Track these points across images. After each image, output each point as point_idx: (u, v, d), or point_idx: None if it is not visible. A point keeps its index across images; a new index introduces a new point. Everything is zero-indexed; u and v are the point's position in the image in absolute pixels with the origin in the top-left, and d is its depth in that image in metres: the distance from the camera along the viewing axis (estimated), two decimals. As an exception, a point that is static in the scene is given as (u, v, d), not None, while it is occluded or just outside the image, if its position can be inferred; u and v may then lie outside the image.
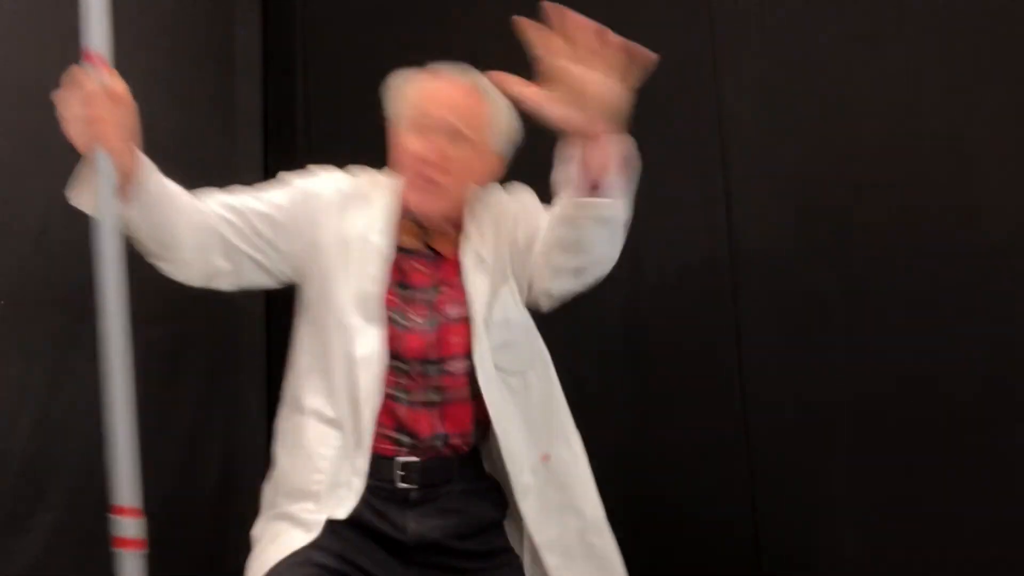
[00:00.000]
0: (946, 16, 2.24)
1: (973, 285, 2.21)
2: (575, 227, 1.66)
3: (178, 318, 2.46)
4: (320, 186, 1.89)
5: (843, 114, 2.31)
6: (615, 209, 1.63)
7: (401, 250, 1.88)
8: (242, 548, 1.86)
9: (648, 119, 2.29)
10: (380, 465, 1.78)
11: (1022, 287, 2.17)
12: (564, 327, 2.05)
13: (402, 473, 1.78)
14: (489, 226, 1.90)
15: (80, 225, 1.71)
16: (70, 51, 1.67)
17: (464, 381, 1.83)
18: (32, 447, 2.11)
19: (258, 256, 1.83)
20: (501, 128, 1.87)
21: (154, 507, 1.63)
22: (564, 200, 1.66)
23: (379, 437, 1.78)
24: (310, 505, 1.75)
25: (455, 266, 1.88)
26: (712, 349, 2.38)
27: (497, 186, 1.95)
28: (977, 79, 2.21)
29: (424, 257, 1.88)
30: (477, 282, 1.86)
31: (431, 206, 1.84)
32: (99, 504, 2.22)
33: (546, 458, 1.87)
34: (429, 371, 1.82)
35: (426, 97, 1.85)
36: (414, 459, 1.79)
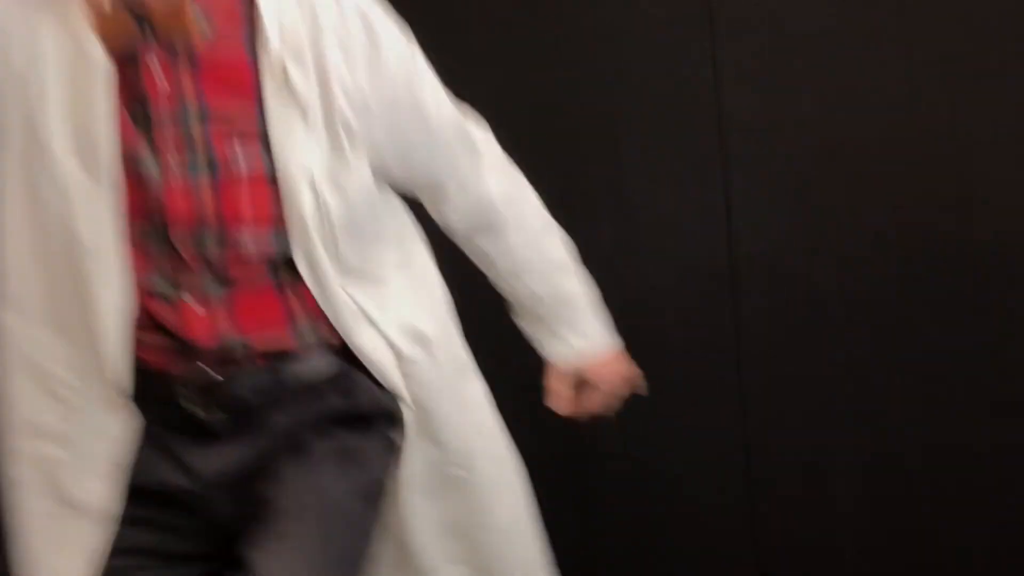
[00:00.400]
0: (946, 11, 2.21)
1: (975, 282, 2.19)
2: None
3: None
4: None
5: (843, 111, 2.28)
6: None
7: (122, 57, 1.23)
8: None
9: (646, 117, 2.33)
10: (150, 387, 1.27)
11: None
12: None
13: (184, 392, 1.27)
14: (298, 28, 1.29)
15: None
16: None
17: (263, 268, 1.28)
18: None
19: None
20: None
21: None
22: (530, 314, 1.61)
23: (142, 348, 1.26)
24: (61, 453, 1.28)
25: (229, 71, 1.27)
26: (711, 349, 2.37)
27: None
28: (977, 75, 2.18)
29: (163, 56, 1.24)
30: (285, 116, 1.27)
31: None
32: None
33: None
34: (206, 245, 1.26)
35: None
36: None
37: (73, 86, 1.21)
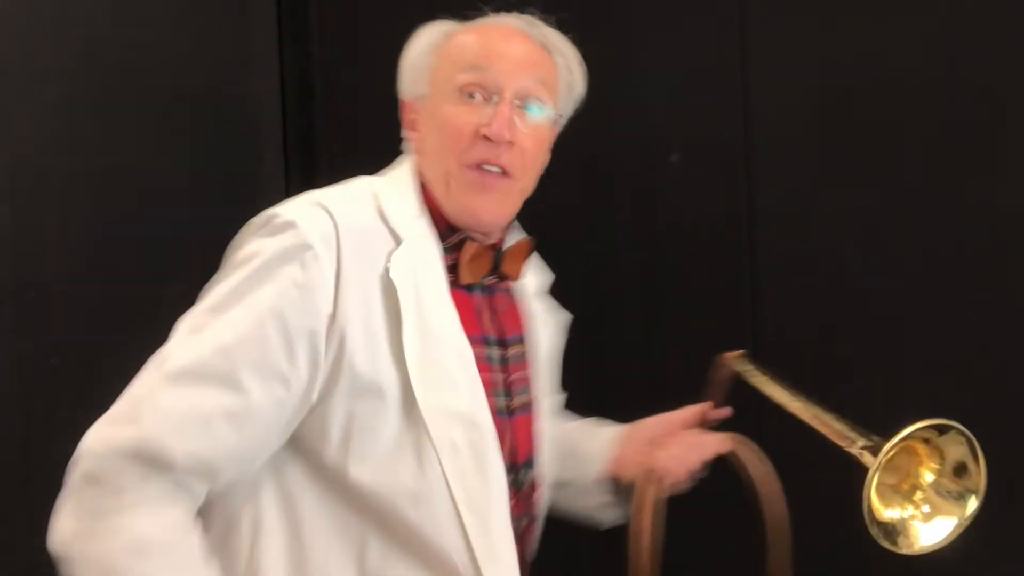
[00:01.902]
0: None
1: (998, 245, 2.18)
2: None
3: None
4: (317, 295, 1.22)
5: (870, 69, 2.28)
6: None
7: (467, 287, 1.31)
8: None
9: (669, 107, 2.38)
10: None
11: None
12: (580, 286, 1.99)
13: None
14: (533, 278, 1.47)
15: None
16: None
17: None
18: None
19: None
20: (572, 94, 1.41)
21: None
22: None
23: None
24: None
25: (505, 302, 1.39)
26: (726, 311, 2.35)
27: None
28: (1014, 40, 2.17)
29: (499, 291, 1.36)
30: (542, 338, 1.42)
31: (498, 211, 1.29)
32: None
33: None
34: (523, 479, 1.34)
35: (481, 50, 1.30)
36: None
37: (436, 356, 1.24)
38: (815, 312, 2.35)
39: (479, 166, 1.27)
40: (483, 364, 1.29)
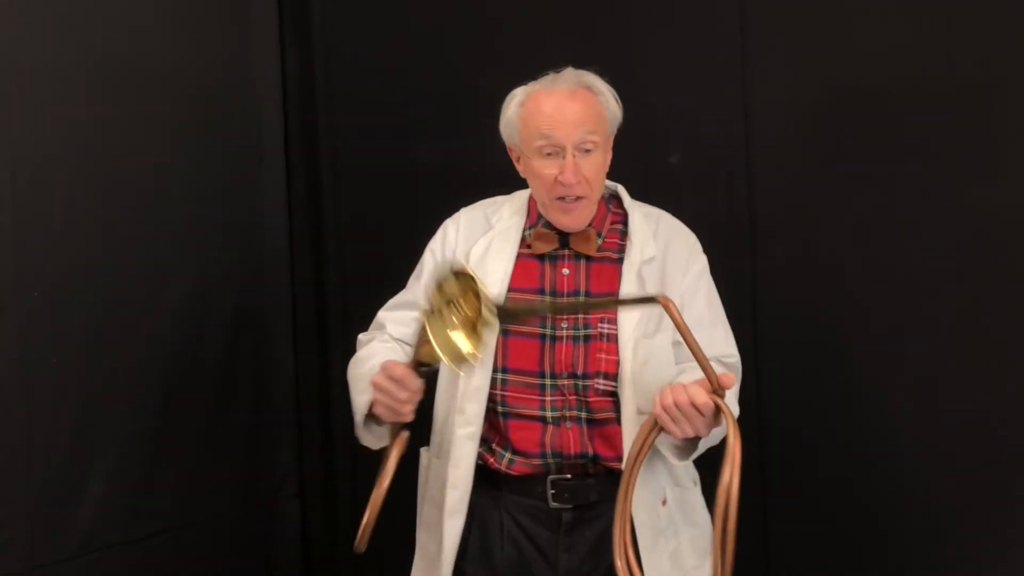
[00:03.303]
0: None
1: (993, 237, 2.19)
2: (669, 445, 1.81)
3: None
4: (448, 250, 1.99)
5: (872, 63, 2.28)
6: (704, 449, 1.79)
7: (539, 256, 1.94)
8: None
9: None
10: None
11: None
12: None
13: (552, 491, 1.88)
14: (655, 248, 1.95)
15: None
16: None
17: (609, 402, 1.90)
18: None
19: None
20: (615, 117, 1.93)
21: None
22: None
23: None
24: None
25: (608, 270, 1.94)
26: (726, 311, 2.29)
27: (665, 214, 2.01)
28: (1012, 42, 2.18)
29: (571, 259, 1.94)
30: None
31: (579, 221, 1.91)
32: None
33: (664, 502, 1.90)
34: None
35: (546, 120, 1.87)
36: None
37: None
38: (815, 312, 2.36)
39: (561, 198, 1.88)
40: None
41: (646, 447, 1.73)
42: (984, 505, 2.22)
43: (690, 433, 1.68)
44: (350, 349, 2.01)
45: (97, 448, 2.34)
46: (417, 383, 1.76)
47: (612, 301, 1.88)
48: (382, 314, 2.04)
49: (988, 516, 2.22)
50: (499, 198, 2.06)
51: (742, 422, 1.67)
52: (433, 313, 1.70)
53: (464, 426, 1.88)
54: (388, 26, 2.86)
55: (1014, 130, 2.17)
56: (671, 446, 1.79)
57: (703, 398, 1.65)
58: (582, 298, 1.92)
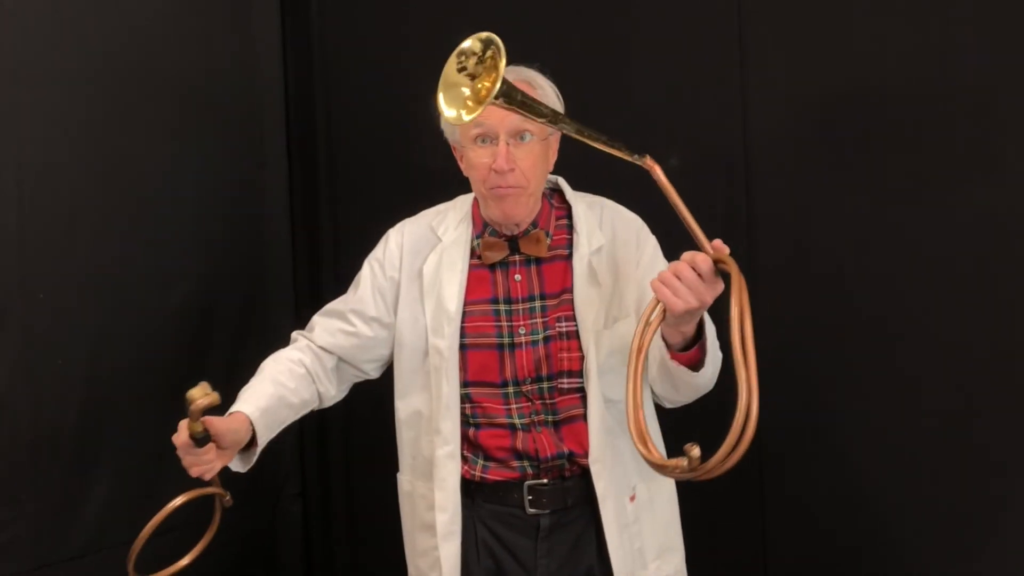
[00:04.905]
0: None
1: (990, 237, 2.19)
2: (672, 380, 1.78)
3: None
4: (388, 265, 1.97)
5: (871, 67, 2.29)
6: (704, 378, 1.75)
7: (489, 266, 1.91)
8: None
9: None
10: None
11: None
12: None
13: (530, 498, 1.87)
14: (602, 238, 1.93)
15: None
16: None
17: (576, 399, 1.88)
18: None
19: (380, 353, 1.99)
20: (554, 107, 1.87)
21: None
22: (661, 353, 1.75)
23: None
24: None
25: (559, 268, 1.91)
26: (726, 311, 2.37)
27: (608, 201, 1.98)
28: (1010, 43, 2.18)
29: (522, 264, 1.91)
30: (591, 295, 1.89)
31: (515, 209, 1.85)
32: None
33: (632, 498, 1.89)
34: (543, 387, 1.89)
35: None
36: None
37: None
38: (814, 312, 2.37)
39: (496, 188, 1.84)
40: (490, 316, 1.90)
41: (651, 328, 1.66)
42: (984, 505, 2.22)
43: (693, 302, 1.61)
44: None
45: (102, 449, 2.36)
46: (203, 453, 1.72)
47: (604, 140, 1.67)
48: (316, 318, 2.01)
49: (988, 516, 2.22)
50: (441, 206, 2.03)
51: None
52: (467, 55, 1.64)
53: (443, 445, 1.87)
54: (388, 26, 2.86)
55: (1011, 131, 2.18)
56: (675, 367, 1.73)
57: (700, 256, 1.62)
58: (537, 296, 1.88)
